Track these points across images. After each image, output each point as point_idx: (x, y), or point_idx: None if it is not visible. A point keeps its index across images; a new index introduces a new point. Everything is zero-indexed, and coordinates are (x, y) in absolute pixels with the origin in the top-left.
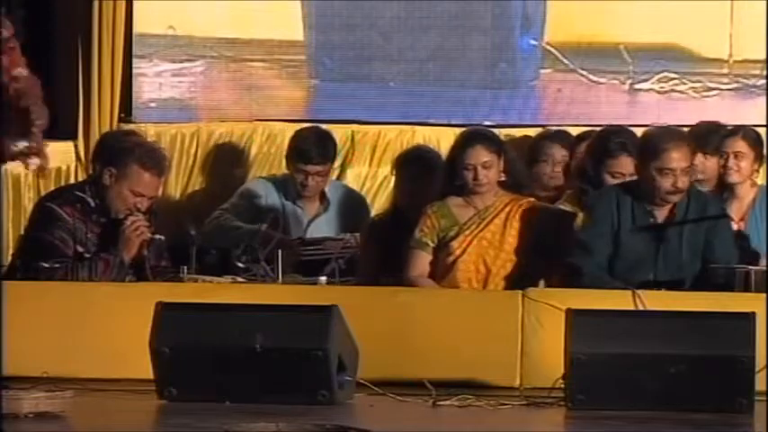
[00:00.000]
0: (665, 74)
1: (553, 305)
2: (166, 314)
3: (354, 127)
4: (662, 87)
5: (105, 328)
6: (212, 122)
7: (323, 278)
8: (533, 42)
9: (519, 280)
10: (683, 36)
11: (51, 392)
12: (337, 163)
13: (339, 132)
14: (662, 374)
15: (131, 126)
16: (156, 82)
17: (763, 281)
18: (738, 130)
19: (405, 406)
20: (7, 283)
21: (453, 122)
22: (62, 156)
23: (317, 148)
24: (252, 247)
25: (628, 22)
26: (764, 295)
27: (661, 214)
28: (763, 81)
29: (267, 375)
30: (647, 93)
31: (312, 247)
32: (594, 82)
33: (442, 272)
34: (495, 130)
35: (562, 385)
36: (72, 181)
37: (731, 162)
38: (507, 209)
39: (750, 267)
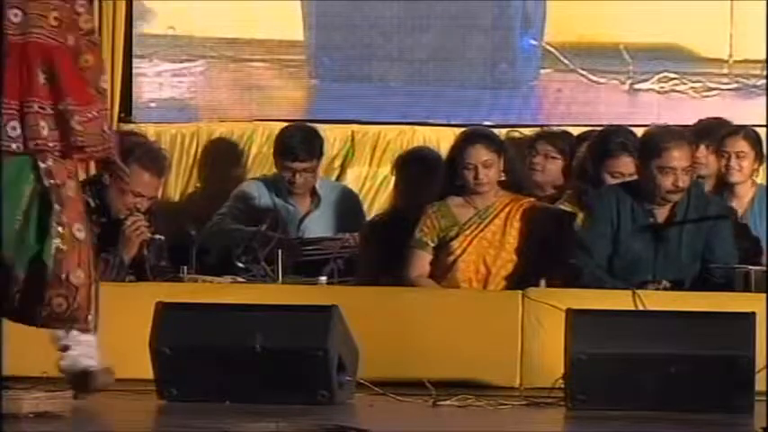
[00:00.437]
0: (665, 74)
1: (553, 305)
2: (166, 314)
3: (354, 127)
4: (662, 87)
5: (105, 328)
6: (212, 122)
7: (323, 278)
8: (533, 42)
9: (519, 280)
10: (683, 36)
11: (51, 392)
12: (337, 163)
13: (339, 132)
14: (662, 374)
15: (131, 126)
16: (155, 82)
17: (763, 281)
18: (740, 130)
19: (405, 406)
20: None
21: (453, 122)
22: None
23: (303, 145)
24: (252, 248)
25: (628, 22)
26: (764, 295)
27: (661, 214)
28: (763, 81)
29: (267, 375)
30: (647, 93)
31: (310, 247)
32: (594, 82)
33: (442, 272)
34: (495, 130)
35: (562, 385)
36: None
37: (733, 162)
38: (507, 209)
39: (750, 267)
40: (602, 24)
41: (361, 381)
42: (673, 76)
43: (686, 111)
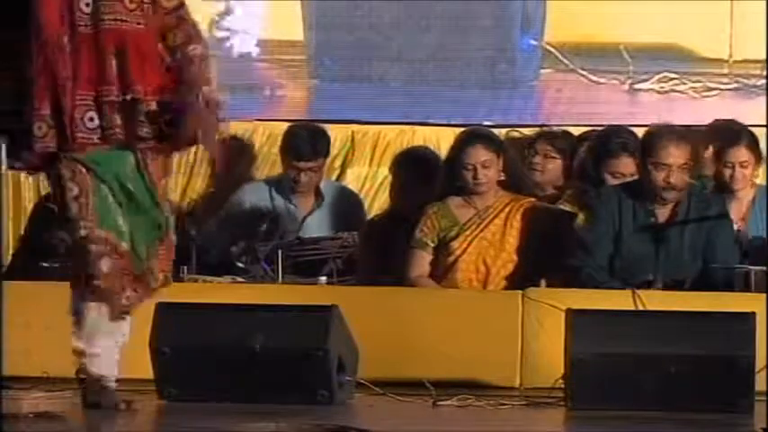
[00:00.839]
0: (665, 74)
1: (553, 305)
2: (166, 314)
3: (354, 127)
4: (662, 87)
5: None
6: None
7: (323, 278)
8: (533, 42)
9: (519, 280)
10: (683, 36)
11: (51, 392)
12: (337, 163)
13: (339, 132)
14: (662, 374)
15: None
16: None
17: (763, 281)
18: (740, 139)
19: (405, 406)
20: (7, 283)
21: (453, 122)
22: None
23: (309, 145)
24: (252, 248)
25: (628, 22)
26: (764, 295)
27: (662, 214)
28: (763, 81)
29: (267, 375)
30: (647, 93)
31: (309, 247)
32: (594, 82)
33: (442, 272)
34: (495, 130)
35: (562, 385)
36: None
37: (737, 172)
38: (507, 209)
39: (750, 267)
40: (602, 24)
41: (361, 381)
42: (673, 76)
43: (686, 111)
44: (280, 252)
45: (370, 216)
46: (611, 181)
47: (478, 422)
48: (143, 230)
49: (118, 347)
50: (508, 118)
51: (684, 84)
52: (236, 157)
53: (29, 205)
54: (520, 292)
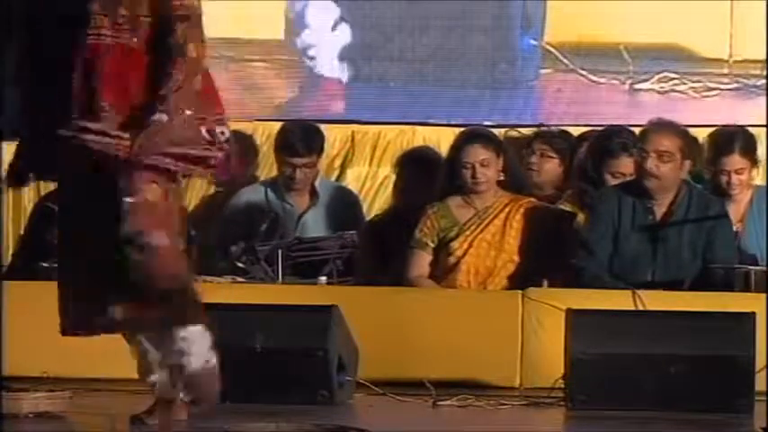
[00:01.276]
0: (665, 74)
1: (553, 305)
2: None
3: (354, 127)
4: (662, 87)
5: None
6: None
7: (322, 278)
8: (533, 42)
9: (519, 280)
10: (683, 36)
11: (51, 392)
12: (337, 163)
13: (339, 132)
14: (662, 374)
15: None
16: None
17: (763, 281)
18: (733, 146)
19: (405, 406)
20: (7, 283)
21: (453, 122)
22: None
23: (303, 141)
24: (251, 248)
25: (628, 22)
26: (764, 295)
27: (659, 211)
28: (763, 81)
29: (267, 375)
30: (647, 93)
31: (308, 247)
32: (594, 82)
33: (442, 272)
34: (495, 131)
35: (562, 385)
36: None
37: (734, 179)
38: (507, 209)
39: (750, 267)
40: (602, 24)
41: (361, 381)
42: (673, 76)
43: (686, 111)
44: (279, 252)
45: (369, 215)
46: (611, 181)
47: (478, 422)
48: None
49: None
50: (508, 118)
51: (684, 84)
52: (243, 158)
53: (29, 205)
54: (520, 292)
